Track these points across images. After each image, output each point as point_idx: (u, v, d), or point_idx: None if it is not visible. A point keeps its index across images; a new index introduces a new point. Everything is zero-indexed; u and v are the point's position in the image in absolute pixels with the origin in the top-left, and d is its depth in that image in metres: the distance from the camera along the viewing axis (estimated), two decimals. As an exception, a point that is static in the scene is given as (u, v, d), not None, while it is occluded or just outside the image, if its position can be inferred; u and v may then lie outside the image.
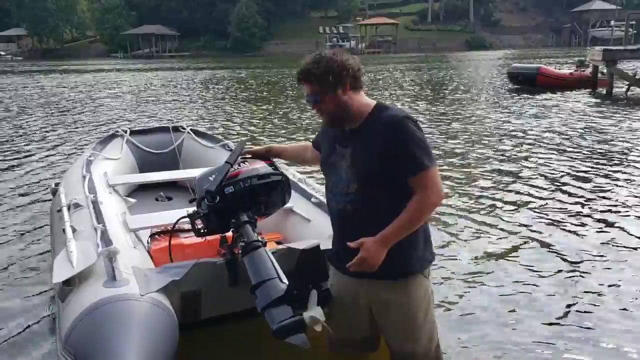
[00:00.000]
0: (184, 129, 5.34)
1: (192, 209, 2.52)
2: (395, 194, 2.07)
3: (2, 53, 64.96)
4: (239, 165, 2.51)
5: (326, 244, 2.49)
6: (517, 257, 4.33)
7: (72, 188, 3.57)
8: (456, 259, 4.28)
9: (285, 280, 2.12)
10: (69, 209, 3.12)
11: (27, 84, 23.62)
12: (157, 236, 3.12)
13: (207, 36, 68.52)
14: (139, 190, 4.78)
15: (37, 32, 69.39)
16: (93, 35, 73.65)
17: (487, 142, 9.09)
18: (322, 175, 2.38)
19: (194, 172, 4.26)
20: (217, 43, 67.22)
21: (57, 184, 3.99)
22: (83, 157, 4.42)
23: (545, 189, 6.20)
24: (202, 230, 2.47)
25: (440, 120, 11.55)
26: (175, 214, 3.25)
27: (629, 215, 5.24)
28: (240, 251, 2.36)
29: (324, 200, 3.18)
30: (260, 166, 2.55)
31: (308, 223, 3.14)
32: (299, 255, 2.02)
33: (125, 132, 5.13)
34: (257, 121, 12.03)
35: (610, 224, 5.00)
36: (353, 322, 2.31)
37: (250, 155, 2.66)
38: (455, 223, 5.07)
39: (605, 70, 16.39)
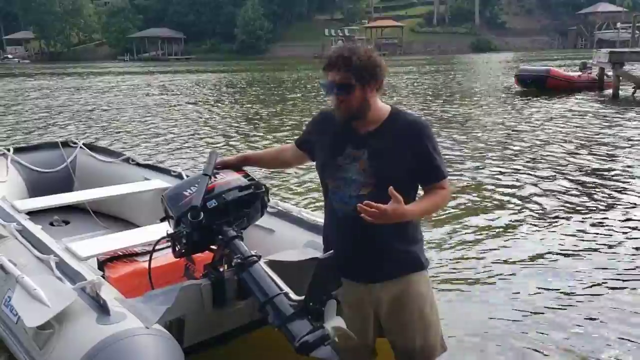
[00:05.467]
0: (75, 143, 4.88)
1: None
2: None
3: (10, 56, 65.50)
4: (215, 177, 2.35)
5: (304, 253, 2.53)
6: (518, 254, 4.39)
7: None
8: (458, 258, 4.36)
9: (292, 293, 2.07)
10: None
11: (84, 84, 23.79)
12: (109, 263, 2.82)
13: (214, 39, 68.87)
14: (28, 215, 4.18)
15: (44, 35, 70.03)
16: (100, 38, 74.11)
17: (493, 142, 9.11)
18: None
19: (101, 192, 3.97)
20: (224, 46, 67.59)
21: None
22: None
23: (551, 189, 6.23)
24: (182, 251, 2.29)
25: (447, 124, 11.58)
26: (122, 236, 3.07)
27: (635, 216, 5.26)
28: (228, 268, 2.31)
29: (281, 209, 3.13)
30: (236, 177, 2.39)
31: (272, 233, 3.01)
32: (316, 266, 1.92)
33: (8, 150, 4.62)
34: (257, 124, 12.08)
35: (615, 224, 5.04)
36: (360, 330, 2.27)
37: (220, 166, 2.49)
38: (459, 223, 5.13)
39: (611, 72, 16.38)
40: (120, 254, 2.85)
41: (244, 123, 12.26)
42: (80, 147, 4.82)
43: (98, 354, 1.81)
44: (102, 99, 18.06)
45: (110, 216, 4.47)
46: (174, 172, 4.13)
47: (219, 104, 16.24)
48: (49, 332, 2.01)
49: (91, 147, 4.92)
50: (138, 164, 4.48)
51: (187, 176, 3.90)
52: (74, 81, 27.80)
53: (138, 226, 3.89)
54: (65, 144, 4.85)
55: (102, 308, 2.02)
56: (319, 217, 2.96)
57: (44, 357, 1.99)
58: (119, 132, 11.09)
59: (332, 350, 1.92)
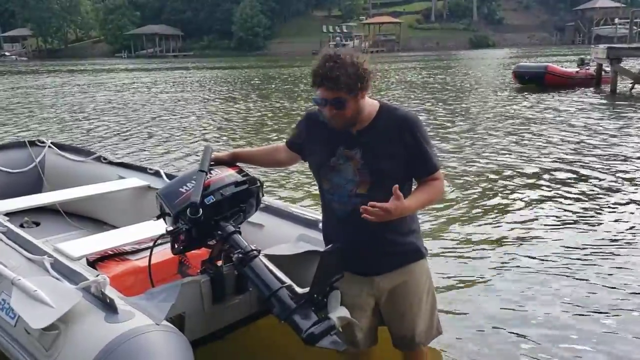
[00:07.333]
0: (42, 142, 4.75)
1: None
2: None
3: (7, 53, 65.26)
4: (210, 174, 2.35)
5: (298, 247, 2.57)
6: (517, 251, 4.44)
7: None
8: (455, 251, 4.41)
9: (295, 286, 2.11)
10: None
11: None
12: (99, 262, 2.78)
13: (211, 36, 68.66)
14: None
15: (41, 32, 69.76)
16: (97, 35, 73.87)
17: (492, 140, 9.12)
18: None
19: (75, 192, 3.87)
20: (221, 43, 67.35)
21: None
22: None
23: (549, 186, 6.27)
24: (181, 247, 2.31)
25: (445, 120, 11.57)
26: (109, 236, 3.03)
27: (633, 213, 5.29)
28: (226, 263, 2.34)
29: (269, 204, 3.12)
30: (231, 173, 2.41)
31: (262, 228, 3.03)
32: (320, 259, 1.97)
33: None
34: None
35: (612, 220, 5.07)
36: (362, 320, 2.31)
37: (213, 162, 2.48)
38: (456, 220, 5.15)
39: (609, 68, 16.38)
40: (110, 253, 2.83)
41: (271, 119, 12.23)
42: (49, 147, 4.70)
43: (111, 353, 1.81)
44: (120, 97, 17.86)
45: (81, 216, 4.39)
46: (151, 169, 4.07)
47: (244, 100, 16.12)
48: (55, 333, 1.98)
49: (60, 146, 4.82)
50: (110, 163, 4.40)
51: (165, 174, 3.89)
52: (84, 78, 27.65)
53: (114, 226, 3.84)
54: (33, 143, 4.73)
55: (109, 307, 2.02)
56: (306, 212, 3.02)
57: (51, 358, 1.97)
58: (151, 129, 11.10)
59: (337, 339, 1.96)
